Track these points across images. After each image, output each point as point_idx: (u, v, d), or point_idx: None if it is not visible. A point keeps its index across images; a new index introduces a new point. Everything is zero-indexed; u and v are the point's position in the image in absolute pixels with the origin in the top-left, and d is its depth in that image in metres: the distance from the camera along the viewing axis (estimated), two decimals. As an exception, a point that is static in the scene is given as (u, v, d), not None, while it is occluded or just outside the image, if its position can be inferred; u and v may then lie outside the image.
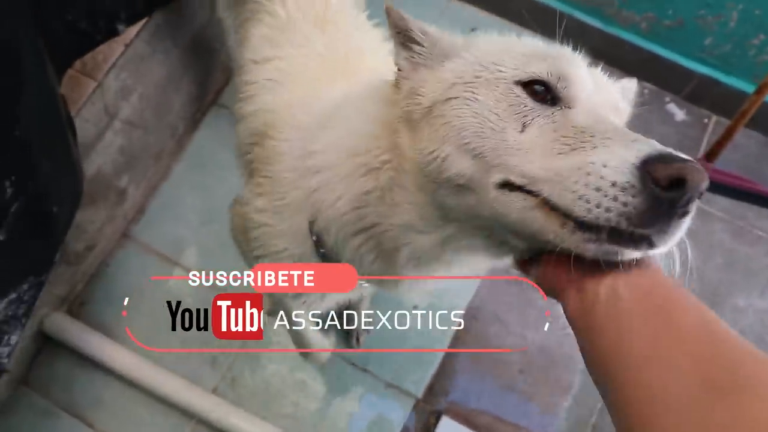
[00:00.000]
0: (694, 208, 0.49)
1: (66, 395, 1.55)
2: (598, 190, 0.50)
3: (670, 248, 0.52)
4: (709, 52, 1.78)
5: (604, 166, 0.50)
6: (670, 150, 0.50)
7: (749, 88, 1.69)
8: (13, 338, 1.23)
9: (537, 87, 0.61)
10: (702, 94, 1.88)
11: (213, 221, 1.66)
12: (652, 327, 0.46)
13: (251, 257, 0.98)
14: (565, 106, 0.61)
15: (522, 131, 0.59)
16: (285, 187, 0.87)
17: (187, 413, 1.50)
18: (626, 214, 0.48)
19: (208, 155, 1.75)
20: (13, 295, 1.17)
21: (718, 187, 1.74)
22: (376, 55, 1.12)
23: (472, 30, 1.21)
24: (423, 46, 0.70)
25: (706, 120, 1.89)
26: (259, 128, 1.01)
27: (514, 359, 1.58)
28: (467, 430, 1.49)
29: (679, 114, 1.89)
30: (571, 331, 0.54)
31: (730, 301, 1.67)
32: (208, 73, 1.79)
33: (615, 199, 0.49)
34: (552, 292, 0.58)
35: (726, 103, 1.84)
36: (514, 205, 0.57)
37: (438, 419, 1.50)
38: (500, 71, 0.63)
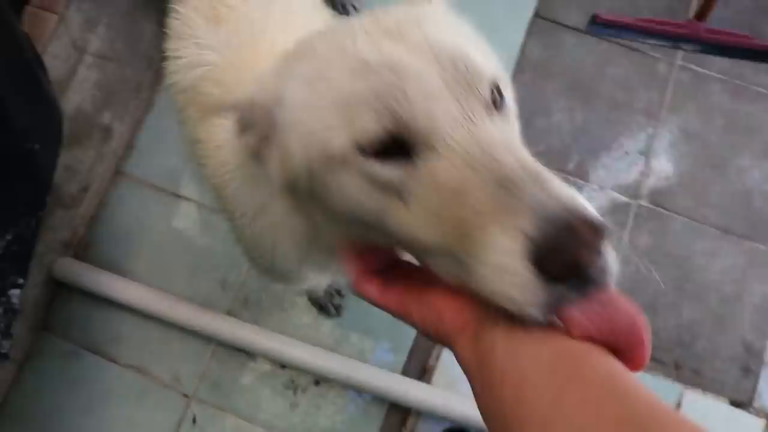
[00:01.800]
0: (610, 259, 0.41)
1: (86, 335, 1.57)
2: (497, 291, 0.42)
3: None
4: None
5: (494, 269, 0.41)
6: (561, 214, 0.40)
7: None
8: (20, 280, 1.24)
9: (378, 144, 0.47)
10: (690, -45, 1.79)
11: (203, 147, 1.64)
12: (556, 383, 0.39)
13: None
14: (426, 152, 0.47)
15: (405, 205, 0.48)
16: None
17: (205, 337, 1.52)
18: (540, 305, 0.40)
19: (188, 82, 1.71)
20: (9, 237, 1.17)
21: (712, 47, 1.68)
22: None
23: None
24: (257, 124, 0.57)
25: (695, -19, 1.81)
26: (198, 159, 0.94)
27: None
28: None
29: (668, -22, 1.81)
30: None
31: (734, 162, 1.64)
32: (176, -3, 1.72)
33: (521, 294, 0.41)
34: (438, 336, 0.49)
35: (715, -40, 1.76)
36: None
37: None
38: (332, 144, 0.49)
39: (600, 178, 1.62)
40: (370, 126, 0.47)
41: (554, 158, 1.62)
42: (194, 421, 1.52)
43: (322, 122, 0.50)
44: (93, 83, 1.47)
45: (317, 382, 1.50)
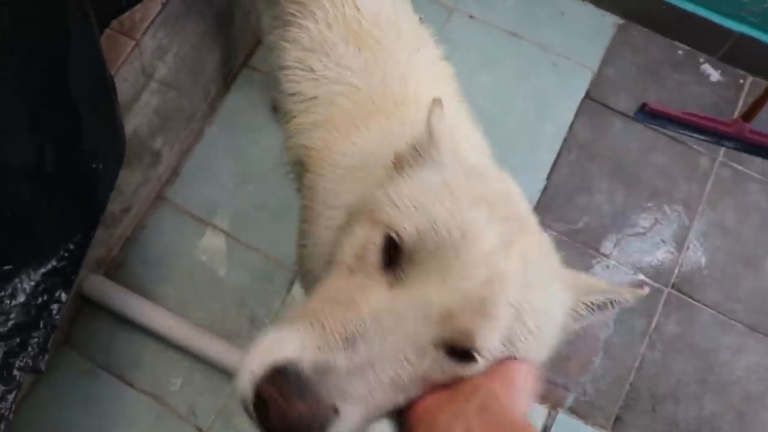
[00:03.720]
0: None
1: (106, 355, 1.57)
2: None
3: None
4: (749, 10, 1.75)
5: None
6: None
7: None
8: (63, 295, 1.24)
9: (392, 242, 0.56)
10: (738, 54, 1.85)
11: (246, 183, 1.66)
12: None
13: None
14: (390, 277, 0.56)
15: (351, 273, 0.58)
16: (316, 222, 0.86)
17: (226, 373, 1.52)
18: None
19: (240, 117, 1.74)
20: (63, 253, 1.19)
21: (754, 148, 1.72)
22: (424, 77, 0.94)
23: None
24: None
25: (741, 80, 1.86)
26: (301, 158, 0.97)
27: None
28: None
29: (714, 75, 1.86)
30: None
31: (767, 261, 1.66)
32: (241, 34, 1.77)
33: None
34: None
35: (763, 62, 1.81)
36: None
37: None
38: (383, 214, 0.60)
39: (633, 261, 1.64)
40: (406, 234, 0.53)
41: (591, 237, 1.64)
42: (204, 455, 1.50)
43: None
44: (152, 109, 1.50)
45: None
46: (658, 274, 1.63)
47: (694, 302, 1.62)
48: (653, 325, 1.59)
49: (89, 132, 1.13)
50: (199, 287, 1.60)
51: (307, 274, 0.92)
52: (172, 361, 1.55)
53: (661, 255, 1.65)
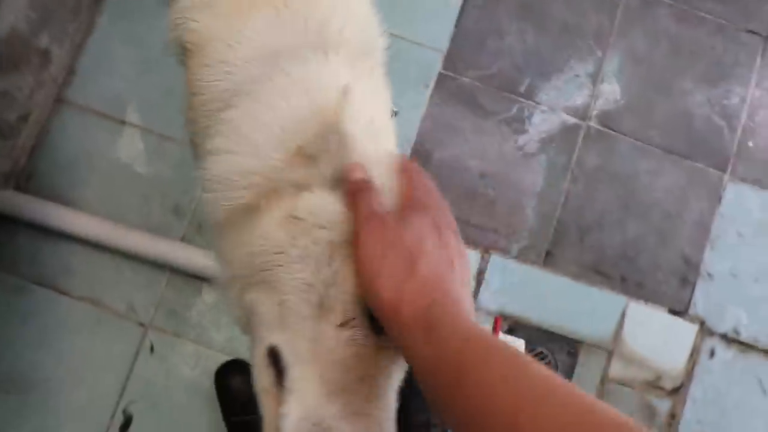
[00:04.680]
0: None
1: (34, 269, 1.53)
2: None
3: None
4: None
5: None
6: None
7: None
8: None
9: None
10: None
11: (151, 71, 1.58)
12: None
13: None
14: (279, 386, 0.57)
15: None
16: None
17: (158, 265, 1.51)
18: None
19: (132, 3, 1.63)
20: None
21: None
22: None
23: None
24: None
25: None
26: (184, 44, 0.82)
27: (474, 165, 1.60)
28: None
29: None
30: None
31: (678, 85, 1.69)
32: None
33: None
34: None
35: None
36: None
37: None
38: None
39: (551, 101, 1.64)
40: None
41: (505, 80, 1.63)
42: (152, 349, 1.51)
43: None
44: (26, 2, 1.39)
45: (276, 306, 1.51)
46: (574, 109, 1.65)
47: (612, 132, 1.65)
48: (574, 160, 1.62)
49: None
50: (117, 185, 1.56)
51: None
52: (102, 262, 1.52)
53: (578, 90, 1.66)
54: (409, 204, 0.57)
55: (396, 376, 0.55)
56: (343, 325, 0.53)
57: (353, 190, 0.57)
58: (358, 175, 0.58)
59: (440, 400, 0.45)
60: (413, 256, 0.51)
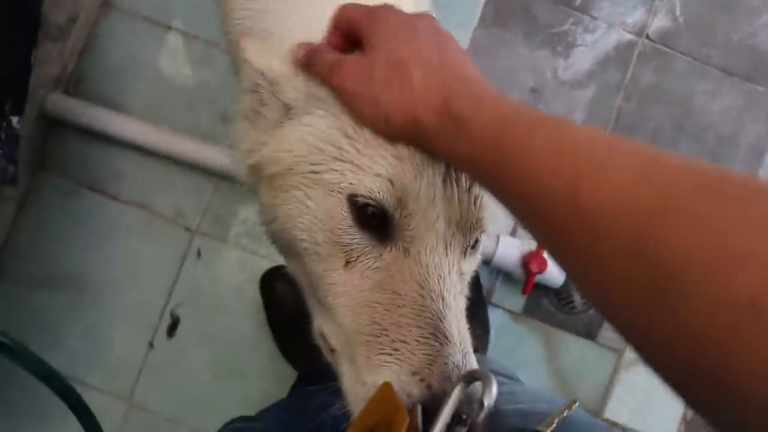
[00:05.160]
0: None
1: (84, 173, 1.56)
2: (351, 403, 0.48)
3: None
4: None
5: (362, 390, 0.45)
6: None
7: None
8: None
9: (371, 209, 0.48)
10: None
11: (196, -25, 1.56)
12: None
13: None
14: (398, 248, 0.48)
15: (346, 266, 0.49)
16: None
17: (206, 171, 1.52)
18: None
19: None
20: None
21: None
22: None
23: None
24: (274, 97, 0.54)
25: None
26: None
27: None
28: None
29: None
30: None
31: (744, 2, 1.61)
32: None
33: None
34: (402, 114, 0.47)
35: None
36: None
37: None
38: (335, 174, 0.49)
39: (607, 15, 1.58)
40: (379, 187, 0.47)
41: (561, -9, 1.57)
42: (199, 254, 1.55)
43: (344, 151, 0.49)
44: None
45: (320, 215, 1.53)
46: (631, 25, 1.59)
47: (669, 50, 1.59)
48: (628, 78, 1.57)
49: None
50: (165, 91, 1.56)
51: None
52: (150, 167, 1.55)
53: (634, 5, 1.59)
54: (362, 36, 0.51)
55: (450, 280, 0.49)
56: (348, 264, 0.49)
57: (303, 63, 0.53)
58: (301, 51, 0.54)
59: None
60: (398, 66, 0.46)
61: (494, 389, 0.40)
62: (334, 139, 0.50)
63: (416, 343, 0.44)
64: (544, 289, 1.52)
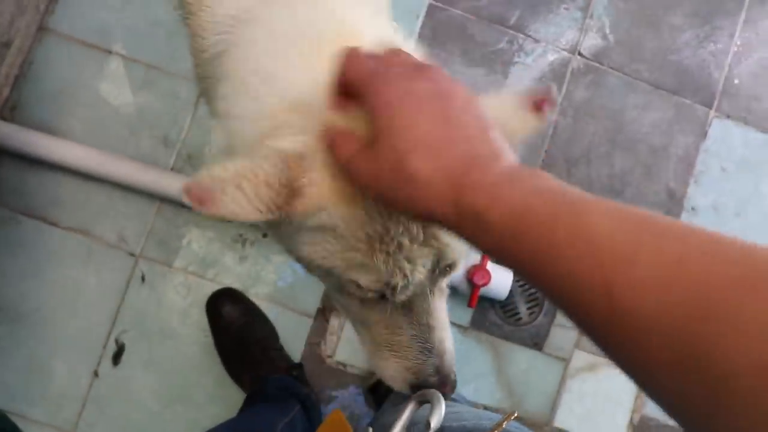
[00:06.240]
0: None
1: (22, 200, 1.53)
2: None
3: None
4: None
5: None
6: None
7: None
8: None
9: (371, 294, 0.61)
10: None
11: (135, 0, 1.55)
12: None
13: None
14: (395, 305, 0.62)
15: (362, 304, 0.63)
16: None
17: (148, 195, 1.51)
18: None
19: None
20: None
21: None
22: None
23: None
24: None
25: None
26: None
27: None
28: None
29: None
30: None
31: (667, 21, 1.69)
32: None
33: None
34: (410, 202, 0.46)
35: None
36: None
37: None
38: (341, 265, 0.60)
39: (540, 34, 1.64)
40: (374, 286, 0.57)
41: (496, 12, 1.62)
42: (143, 279, 1.53)
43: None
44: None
45: (265, 235, 1.53)
46: (564, 43, 1.65)
47: (601, 66, 1.65)
48: (563, 93, 1.63)
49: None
50: (105, 116, 1.54)
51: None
52: (91, 192, 1.52)
53: (566, 24, 1.65)
54: (367, 109, 0.48)
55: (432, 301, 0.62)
56: (362, 300, 0.61)
57: (328, 146, 0.52)
58: (327, 138, 0.52)
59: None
60: (401, 163, 0.44)
61: (442, 410, 0.52)
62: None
63: (409, 350, 0.61)
64: (489, 301, 1.54)
